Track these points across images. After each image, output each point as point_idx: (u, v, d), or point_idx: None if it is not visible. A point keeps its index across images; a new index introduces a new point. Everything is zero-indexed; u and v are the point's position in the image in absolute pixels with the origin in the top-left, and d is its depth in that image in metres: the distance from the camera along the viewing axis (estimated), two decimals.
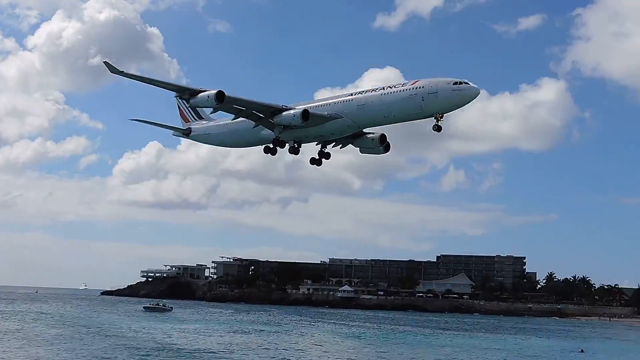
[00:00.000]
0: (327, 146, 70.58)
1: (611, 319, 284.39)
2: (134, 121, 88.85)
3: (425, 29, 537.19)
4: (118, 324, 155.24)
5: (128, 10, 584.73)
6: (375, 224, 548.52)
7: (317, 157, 71.42)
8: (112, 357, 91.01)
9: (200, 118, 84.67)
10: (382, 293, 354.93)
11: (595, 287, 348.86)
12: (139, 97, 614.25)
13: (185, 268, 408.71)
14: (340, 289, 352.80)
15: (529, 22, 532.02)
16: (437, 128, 56.90)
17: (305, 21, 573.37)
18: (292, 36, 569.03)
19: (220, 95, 61.07)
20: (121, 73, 62.01)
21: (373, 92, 61.40)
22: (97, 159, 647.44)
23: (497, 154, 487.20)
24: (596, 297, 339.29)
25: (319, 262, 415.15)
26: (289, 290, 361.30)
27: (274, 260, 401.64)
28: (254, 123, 66.46)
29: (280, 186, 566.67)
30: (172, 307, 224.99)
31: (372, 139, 68.39)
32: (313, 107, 63.92)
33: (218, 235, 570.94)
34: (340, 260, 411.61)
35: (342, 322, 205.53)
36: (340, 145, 70.18)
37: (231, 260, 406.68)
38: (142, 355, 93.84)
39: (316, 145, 69.86)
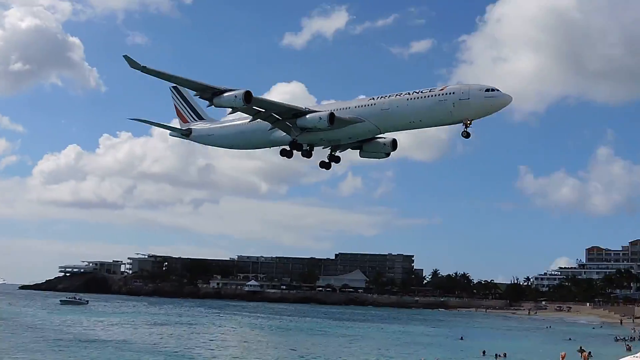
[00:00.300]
0: (337, 150, 64.95)
1: (487, 310, 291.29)
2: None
3: (329, 48, 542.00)
4: (35, 316, 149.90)
5: (50, 20, 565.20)
6: (280, 224, 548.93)
7: (327, 161, 65.72)
8: (29, 348, 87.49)
9: (201, 119, 76.66)
10: (285, 287, 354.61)
11: (473, 282, 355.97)
12: (60, 102, 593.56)
13: (102, 264, 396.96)
14: (247, 284, 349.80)
15: (421, 45, 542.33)
16: (466, 134, 52.46)
17: (218, 37, 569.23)
18: (206, 50, 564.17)
19: (247, 96, 55.23)
20: (143, 69, 54.60)
21: (397, 97, 55.72)
22: (17, 160, 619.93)
23: (391, 162, 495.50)
24: (474, 291, 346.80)
25: (228, 258, 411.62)
26: (200, 285, 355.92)
27: (186, 257, 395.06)
28: (267, 125, 60.83)
29: (193, 188, 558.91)
30: (87, 301, 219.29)
31: (384, 143, 62.79)
32: (334, 110, 58.01)
33: (134, 233, 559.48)
34: (248, 257, 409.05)
35: (248, 313, 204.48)
36: (341, 149, 64.80)
37: (146, 256, 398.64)
38: (58, 346, 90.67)
39: (323, 149, 64.34)
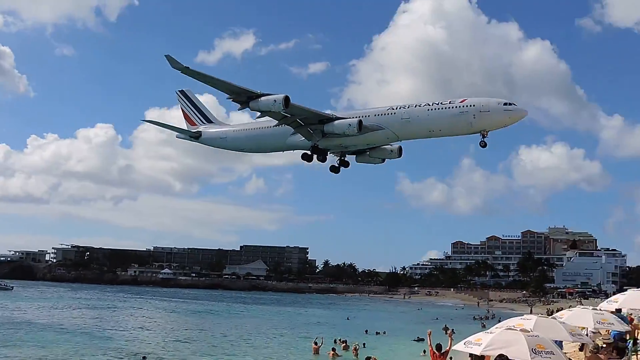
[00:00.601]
0: (346, 155, 59.93)
1: (370, 295, 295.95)
2: None
3: (238, 66, 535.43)
4: None
5: None
6: (191, 219, 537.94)
7: (337, 165, 60.71)
8: None
9: (209, 122, 69.44)
10: (195, 275, 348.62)
11: (359, 271, 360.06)
12: None
13: (28, 253, 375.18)
14: (161, 272, 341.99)
15: (317, 67, 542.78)
16: (484, 144, 49.29)
17: (138, 52, 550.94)
18: (126, 63, 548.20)
19: (286, 101, 49.97)
20: (185, 69, 49.22)
21: (417, 107, 51.45)
22: None
23: (289, 167, 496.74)
24: (359, 278, 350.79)
25: (145, 249, 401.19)
26: (119, 272, 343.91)
27: (106, 247, 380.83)
28: (289, 129, 55.93)
29: (114, 186, 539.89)
30: (12, 287, 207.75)
31: (391, 150, 58.33)
32: (359, 117, 53.12)
33: (59, 226, 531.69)
34: (163, 248, 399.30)
35: (162, 297, 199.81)
36: (349, 154, 59.73)
37: (69, 246, 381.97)
38: None
39: (330, 153, 59.19)
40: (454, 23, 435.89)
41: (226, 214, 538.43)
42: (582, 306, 40.83)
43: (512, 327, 22.41)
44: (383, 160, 60.48)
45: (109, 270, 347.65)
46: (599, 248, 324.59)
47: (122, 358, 60.82)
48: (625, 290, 46.12)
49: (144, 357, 60.59)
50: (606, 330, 34.31)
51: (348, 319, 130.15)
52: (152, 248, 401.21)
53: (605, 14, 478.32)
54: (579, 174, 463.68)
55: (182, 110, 72.00)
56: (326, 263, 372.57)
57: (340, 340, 73.31)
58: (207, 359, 56.23)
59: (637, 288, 43.82)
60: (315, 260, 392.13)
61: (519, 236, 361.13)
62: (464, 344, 21.48)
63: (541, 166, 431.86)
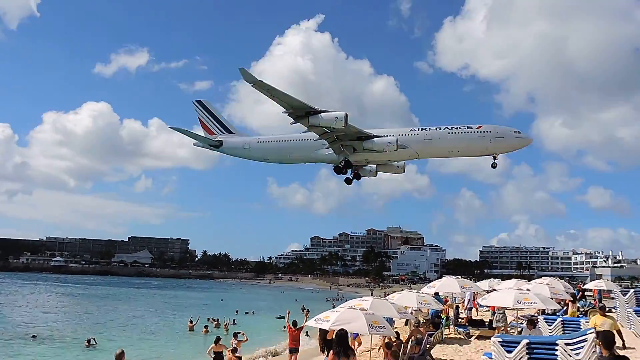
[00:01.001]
0: (359, 168, 55.23)
1: (241, 280, 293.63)
2: None
3: (132, 79, 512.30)
4: None
5: None
6: (84, 212, 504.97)
7: (351, 178, 55.61)
8: None
9: (228, 132, 61.75)
10: (84, 262, 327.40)
11: (232, 259, 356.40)
12: None
13: None
14: (53, 259, 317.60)
15: (203, 85, 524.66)
16: (495, 165, 47.57)
17: (36, 61, 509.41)
18: (27, 68, 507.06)
19: (346, 118, 45.42)
20: (259, 82, 43.64)
21: (437, 130, 48.45)
22: None
23: (175, 169, 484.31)
24: (232, 266, 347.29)
25: (38, 239, 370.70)
26: (10, 260, 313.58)
27: None
28: (321, 143, 50.88)
29: (9, 181, 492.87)
30: None
31: (398, 166, 54.70)
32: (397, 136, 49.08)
33: None
34: (55, 238, 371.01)
35: (53, 283, 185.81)
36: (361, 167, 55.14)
37: None
38: None
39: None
40: (319, 57, 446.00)
41: (117, 209, 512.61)
42: (409, 290, 43.26)
43: (353, 307, 23.27)
44: (376, 174, 57.73)
45: (0, 258, 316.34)
46: (425, 244, 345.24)
47: (10, 339, 55.59)
48: (441, 277, 49.39)
49: (33, 336, 56.01)
50: (426, 309, 36.67)
51: (222, 300, 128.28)
52: (44, 238, 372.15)
53: (436, 59, 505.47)
54: (412, 184, 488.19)
55: (200, 120, 64.02)
56: (204, 253, 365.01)
57: (212, 319, 72.32)
58: (93, 336, 53.07)
59: (451, 276, 47.16)
60: (195, 250, 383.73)
61: (364, 233, 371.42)
62: (315, 320, 22.02)
63: (383, 177, 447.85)
